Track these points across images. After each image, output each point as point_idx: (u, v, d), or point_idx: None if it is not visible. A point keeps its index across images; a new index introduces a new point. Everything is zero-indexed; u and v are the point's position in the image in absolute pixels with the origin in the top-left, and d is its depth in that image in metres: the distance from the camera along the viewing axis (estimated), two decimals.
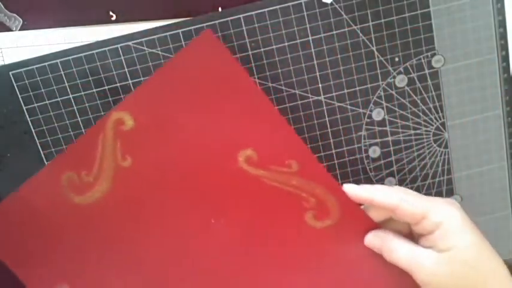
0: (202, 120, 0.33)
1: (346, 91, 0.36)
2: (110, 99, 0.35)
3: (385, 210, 0.30)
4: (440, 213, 0.28)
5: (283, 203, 0.33)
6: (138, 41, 0.34)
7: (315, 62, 0.35)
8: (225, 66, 0.32)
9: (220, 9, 0.34)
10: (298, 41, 0.34)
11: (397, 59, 0.35)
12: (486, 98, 0.36)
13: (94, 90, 0.35)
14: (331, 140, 0.37)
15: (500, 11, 0.35)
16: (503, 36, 0.35)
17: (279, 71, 0.35)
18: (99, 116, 0.35)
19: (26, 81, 0.34)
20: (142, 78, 0.35)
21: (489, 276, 0.27)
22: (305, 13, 0.34)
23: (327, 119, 0.36)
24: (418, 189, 0.38)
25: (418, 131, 0.36)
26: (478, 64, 0.35)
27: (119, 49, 0.34)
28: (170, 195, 0.33)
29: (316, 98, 0.36)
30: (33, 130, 0.35)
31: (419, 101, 0.36)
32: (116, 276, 0.34)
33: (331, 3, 0.34)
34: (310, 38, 0.34)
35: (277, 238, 0.34)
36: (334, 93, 0.36)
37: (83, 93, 0.35)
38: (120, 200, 0.33)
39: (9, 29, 0.34)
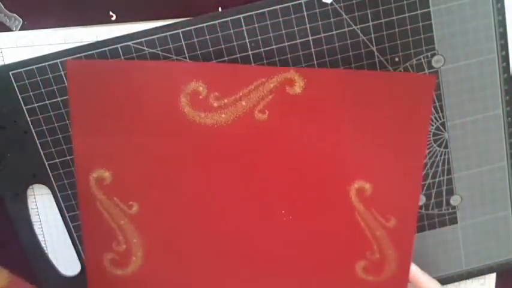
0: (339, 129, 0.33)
1: None
2: None
3: None
4: None
5: (353, 239, 0.34)
6: (138, 41, 0.34)
7: (315, 62, 0.35)
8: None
9: (220, 9, 0.34)
10: (298, 41, 0.34)
11: (397, 59, 0.35)
12: (486, 98, 0.36)
13: None
14: None
15: (500, 11, 0.35)
16: (503, 36, 0.35)
17: None
18: None
19: (26, 81, 0.34)
20: None
21: None
22: (305, 13, 0.34)
23: None
24: None
25: None
26: (478, 64, 0.35)
27: (119, 49, 0.34)
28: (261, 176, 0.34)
29: None
30: (33, 130, 0.35)
31: None
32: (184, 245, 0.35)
33: (331, 3, 0.34)
34: (310, 38, 0.34)
35: (320, 259, 0.35)
36: None
37: None
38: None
39: (9, 29, 0.34)
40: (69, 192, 0.36)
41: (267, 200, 0.34)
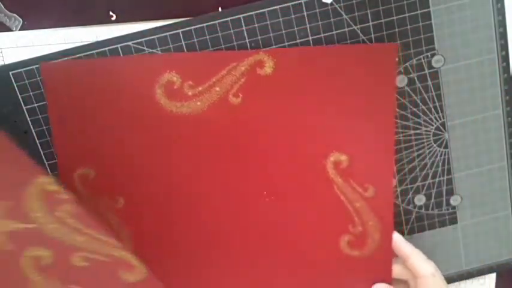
0: (311, 108, 0.33)
1: None
2: None
3: (409, 272, 0.33)
4: None
5: (334, 214, 0.34)
6: (138, 41, 0.34)
7: None
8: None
9: (220, 9, 0.34)
10: (298, 41, 0.34)
11: (397, 59, 0.35)
12: (486, 98, 0.36)
13: None
14: None
15: (500, 11, 0.35)
16: (503, 36, 0.35)
17: None
18: None
19: (26, 81, 0.34)
20: None
21: None
22: (305, 13, 0.34)
23: None
24: (418, 189, 0.38)
25: (418, 131, 0.36)
26: (478, 64, 0.35)
27: (119, 49, 0.34)
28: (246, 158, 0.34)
29: None
30: (33, 130, 0.35)
31: (419, 101, 0.36)
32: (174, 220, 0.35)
33: (331, 3, 0.34)
34: (310, 38, 0.34)
35: (304, 238, 0.35)
36: None
37: None
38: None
39: (9, 29, 0.34)
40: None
41: (249, 183, 0.34)
